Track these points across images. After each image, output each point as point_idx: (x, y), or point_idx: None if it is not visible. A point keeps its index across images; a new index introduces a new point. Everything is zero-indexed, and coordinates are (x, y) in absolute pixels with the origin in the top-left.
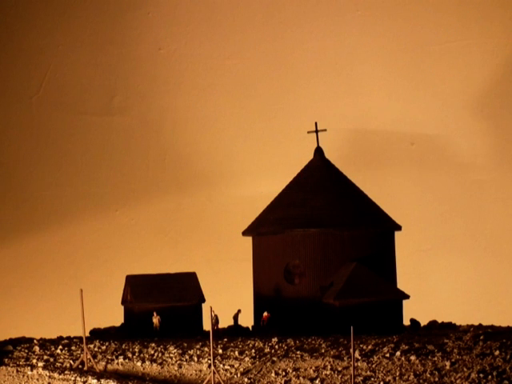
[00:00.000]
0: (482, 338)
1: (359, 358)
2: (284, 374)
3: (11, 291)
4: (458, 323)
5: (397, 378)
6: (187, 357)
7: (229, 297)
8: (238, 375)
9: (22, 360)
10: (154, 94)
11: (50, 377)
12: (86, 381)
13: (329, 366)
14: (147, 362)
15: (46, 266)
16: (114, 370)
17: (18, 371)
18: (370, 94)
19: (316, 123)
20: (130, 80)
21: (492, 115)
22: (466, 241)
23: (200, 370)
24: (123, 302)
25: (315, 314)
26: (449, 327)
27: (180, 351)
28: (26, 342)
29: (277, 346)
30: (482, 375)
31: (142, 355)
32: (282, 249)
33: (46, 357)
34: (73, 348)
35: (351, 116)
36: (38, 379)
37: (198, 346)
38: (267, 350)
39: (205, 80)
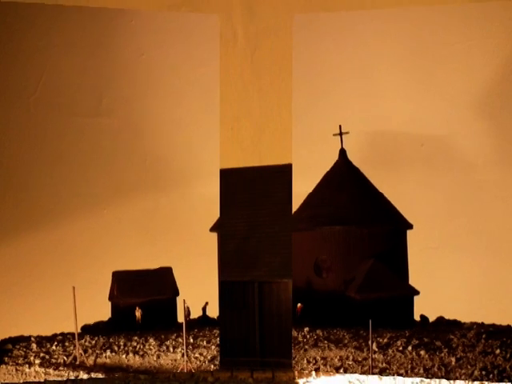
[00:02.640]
0: (484, 336)
1: (376, 350)
2: (314, 362)
3: (11, 290)
4: (462, 320)
5: (408, 372)
6: (164, 347)
7: (199, 290)
8: (206, 363)
9: (21, 358)
10: (136, 97)
11: (45, 373)
12: (78, 375)
13: (351, 357)
14: (131, 355)
15: (43, 264)
16: (102, 363)
17: (16, 370)
18: (384, 97)
19: (340, 126)
20: (116, 83)
21: (494, 115)
22: (473, 240)
23: (175, 360)
24: (110, 298)
25: (340, 307)
26: (454, 324)
27: (158, 342)
28: (24, 340)
29: (308, 336)
30: (484, 373)
31: (126, 348)
32: (312, 244)
33: (42, 354)
34: (66, 344)
35: (369, 119)
36: (35, 376)
37: (173, 337)
38: (300, 338)
39: (179, 85)
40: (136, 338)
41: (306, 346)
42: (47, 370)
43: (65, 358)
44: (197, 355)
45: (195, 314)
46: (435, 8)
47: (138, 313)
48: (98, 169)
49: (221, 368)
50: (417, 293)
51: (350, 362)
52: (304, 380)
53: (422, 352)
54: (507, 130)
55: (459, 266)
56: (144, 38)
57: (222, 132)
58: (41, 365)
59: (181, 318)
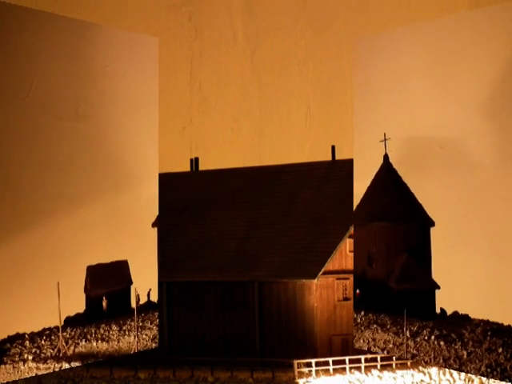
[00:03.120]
0: (489, 333)
1: (409, 337)
2: (367, 342)
3: (10, 289)
4: (472, 316)
5: (432, 360)
6: (122, 332)
7: (146, 278)
8: (150, 342)
9: (17, 356)
10: (104, 105)
11: (36, 368)
12: (61, 366)
13: (392, 341)
14: (99, 341)
15: (34, 262)
16: (79, 352)
17: (13, 368)
18: (415, 105)
19: (385, 134)
20: (90, 91)
21: (497, 116)
22: (482, 240)
23: (129, 342)
24: (85, 290)
25: (383, 295)
26: (465, 319)
27: (118, 328)
28: (19, 337)
29: (363, 318)
30: (489, 369)
31: (96, 336)
32: (366, 238)
33: (34, 349)
34: (52, 337)
35: (402, 125)
36: (28, 372)
37: (128, 322)
38: (358, 320)
39: (131, 96)
40: (103, 325)
41: (362, 328)
42: (38, 364)
43: (51, 350)
44: (144, 336)
45: (143, 300)
46: (445, 19)
47: (104, 303)
48: (79, 170)
49: (159, 346)
50: (438, 287)
51: (391, 346)
52: (304, 380)
53: (442, 343)
54: (509, 129)
55: (469, 264)
56: (108, 51)
57: (222, 132)
58: (33, 360)
59: (133, 305)
